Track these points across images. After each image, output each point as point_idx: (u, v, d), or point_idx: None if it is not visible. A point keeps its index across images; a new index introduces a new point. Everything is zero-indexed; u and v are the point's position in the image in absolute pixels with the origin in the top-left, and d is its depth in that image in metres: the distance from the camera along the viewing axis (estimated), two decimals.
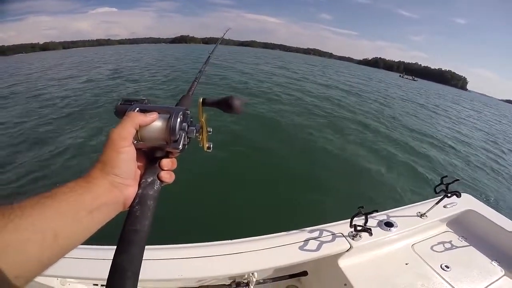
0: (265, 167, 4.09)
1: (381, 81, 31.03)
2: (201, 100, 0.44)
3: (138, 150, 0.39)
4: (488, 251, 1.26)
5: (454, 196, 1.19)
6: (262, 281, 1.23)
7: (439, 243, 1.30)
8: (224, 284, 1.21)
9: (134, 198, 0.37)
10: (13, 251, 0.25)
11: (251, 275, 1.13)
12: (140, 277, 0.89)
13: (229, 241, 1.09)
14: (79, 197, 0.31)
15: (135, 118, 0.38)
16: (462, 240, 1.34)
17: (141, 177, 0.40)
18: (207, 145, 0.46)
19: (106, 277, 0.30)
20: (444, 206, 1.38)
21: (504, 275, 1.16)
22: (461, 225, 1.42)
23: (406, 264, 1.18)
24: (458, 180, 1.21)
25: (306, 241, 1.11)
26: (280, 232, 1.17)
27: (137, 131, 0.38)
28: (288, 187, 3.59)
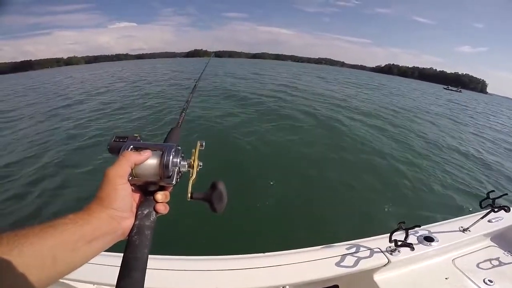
0: (304, 180, 4.02)
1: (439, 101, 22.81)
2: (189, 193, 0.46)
3: (133, 185, 0.43)
4: None
5: (502, 211, 1.13)
6: None
7: (481, 258, 1.23)
8: None
9: (132, 228, 0.40)
10: (16, 274, 0.28)
11: None
12: (175, 286, 0.89)
13: (263, 254, 1.09)
14: (79, 228, 0.34)
15: (130, 157, 0.41)
16: (508, 254, 1.26)
17: (137, 209, 0.42)
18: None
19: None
20: (489, 221, 1.31)
21: None
22: (507, 239, 1.33)
23: (446, 278, 1.12)
24: (506, 194, 1.15)
25: (343, 255, 1.08)
26: (316, 246, 1.16)
27: (132, 169, 0.41)
28: (325, 201, 3.53)
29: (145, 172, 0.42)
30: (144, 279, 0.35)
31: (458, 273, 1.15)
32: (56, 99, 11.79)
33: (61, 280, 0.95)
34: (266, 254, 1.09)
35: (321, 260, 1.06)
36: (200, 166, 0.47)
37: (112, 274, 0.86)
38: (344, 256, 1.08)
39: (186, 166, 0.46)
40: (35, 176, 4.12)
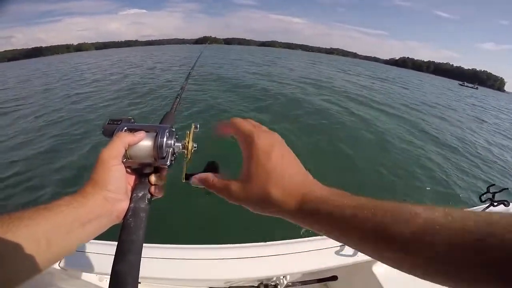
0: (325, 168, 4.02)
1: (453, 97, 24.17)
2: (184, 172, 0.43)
3: (127, 167, 0.42)
4: None
5: (502, 205, 1.11)
6: (291, 284, 1.21)
7: None
8: (253, 286, 1.21)
9: (127, 211, 0.40)
10: (10, 257, 0.27)
11: (282, 278, 1.12)
12: (171, 276, 0.89)
13: (263, 243, 1.09)
14: (74, 210, 0.34)
15: (124, 138, 0.40)
16: None
17: (132, 191, 0.42)
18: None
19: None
20: None
21: None
22: None
23: None
24: (507, 189, 1.12)
25: (342, 245, 1.07)
26: (315, 236, 1.14)
27: (125, 150, 0.41)
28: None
29: (139, 153, 0.42)
30: (139, 262, 0.35)
31: None
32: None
33: (65, 270, 0.96)
34: (267, 243, 1.09)
35: (321, 250, 1.05)
36: (195, 147, 0.46)
37: None
38: (343, 246, 1.07)
39: (181, 147, 0.45)
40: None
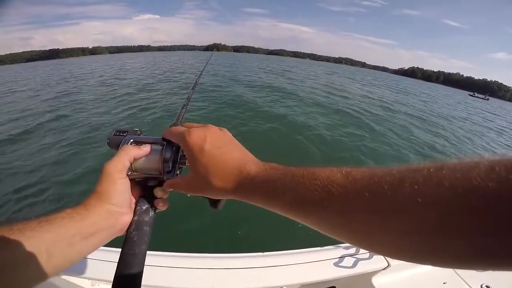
0: None
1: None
2: None
3: (132, 180, 0.42)
4: None
5: None
6: None
7: None
8: None
9: (130, 224, 0.39)
10: (10, 269, 0.27)
11: None
12: (168, 285, 0.87)
13: (261, 253, 1.08)
14: (76, 223, 0.34)
15: (130, 151, 0.40)
16: None
17: (136, 204, 0.41)
18: None
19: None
20: None
21: None
22: None
23: (444, 283, 1.10)
24: None
25: (341, 257, 1.06)
26: (315, 247, 1.14)
27: (131, 164, 0.40)
28: None
29: (145, 166, 0.42)
30: (141, 276, 0.35)
31: (457, 278, 1.12)
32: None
33: (57, 275, 0.94)
34: (265, 253, 1.08)
35: (320, 262, 1.04)
36: None
37: (108, 270, 0.87)
38: (343, 258, 1.06)
39: (187, 162, 0.43)
40: None
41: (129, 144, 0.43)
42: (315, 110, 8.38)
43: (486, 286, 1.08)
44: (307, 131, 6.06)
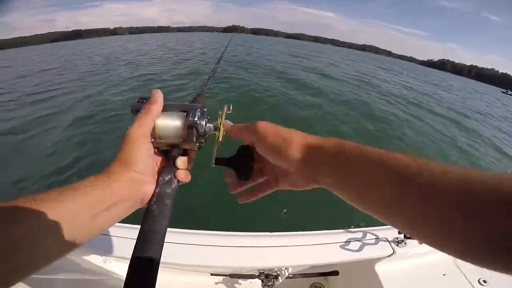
0: None
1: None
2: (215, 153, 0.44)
3: (156, 148, 0.40)
4: None
5: None
6: (291, 275, 1.23)
7: None
8: (253, 275, 1.23)
9: (152, 196, 0.37)
10: (29, 242, 0.26)
11: (284, 269, 1.14)
12: (172, 260, 0.85)
13: (270, 233, 1.10)
14: (99, 191, 0.32)
15: (151, 112, 0.38)
16: None
17: (159, 175, 0.39)
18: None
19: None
20: None
21: None
22: None
23: (444, 275, 1.11)
24: None
25: (347, 241, 1.07)
26: (322, 230, 1.15)
27: (154, 130, 0.39)
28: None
29: (168, 133, 0.40)
30: (161, 253, 0.33)
31: (456, 271, 1.13)
32: None
33: (104, 257, 0.97)
34: (273, 234, 1.10)
35: (326, 245, 1.05)
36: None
37: (121, 246, 0.89)
38: (349, 242, 1.07)
39: (212, 128, 0.42)
40: None
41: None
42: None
43: (483, 280, 1.09)
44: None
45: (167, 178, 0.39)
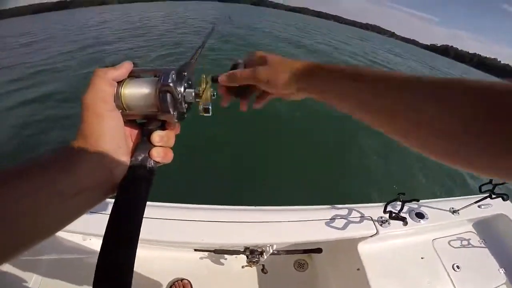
0: (301, 136, 3.93)
1: None
2: (209, 76, 0.41)
3: (128, 121, 0.34)
4: (501, 257, 1.22)
5: (500, 199, 1.09)
6: (276, 252, 1.23)
7: (459, 242, 1.25)
8: (238, 250, 1.23)
9: (121, 181, 0.30)
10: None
11: (268, 246, 1.13)
12: (154, 237, 0.81)
13: (253, 207, 1.06)
14: (56, 177, 0.24)
15: (105, 74, 0.30)
16: (481, 242, 1.28)
17: (132, 153, 0.33)
18: (202, 106, 0.36)
19: None
20: (479, 206, 1.27)
21: (504, 283, 1.14)
22: (487, 227, 1.32)
23: (422, 258, 1.16)
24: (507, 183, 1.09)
25: (333, 219, 1.06)
26: (307, 205, 1.13)
27: (121, 99, 0.32)
28: (325, 160, 3.48)
29: (138, 102, 0.33)
30: (135, 254, 0.26)
31: (434, 255, 1.17)
32: None
33: (82, 235, 0.95)
34: (258, 208, 1.06)
35: (311, 222, 1.04)
36: (213, 96, 0.37)
37: (100, 223, 0.81)
38: (334, 219, 1.06)
39: (193, 94, 0.35)
40: None
41: None
42: None
43: (456, 266, 1.13)
44: None
45: (140, 158, 0.32)
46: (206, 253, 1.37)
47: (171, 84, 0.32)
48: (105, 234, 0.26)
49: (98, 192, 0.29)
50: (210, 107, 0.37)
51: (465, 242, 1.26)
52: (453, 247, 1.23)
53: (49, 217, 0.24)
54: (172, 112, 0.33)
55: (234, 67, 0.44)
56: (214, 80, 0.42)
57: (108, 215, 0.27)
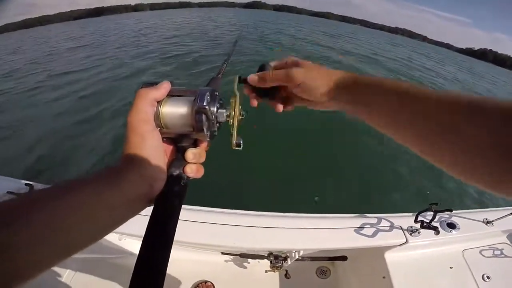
0: (338, 146, 3.91)
1: None
2: (237, 77, 0.43)
3: (164, 138, 0.36)
4: None
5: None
6: (300, 258, 1.22)
7: (491, 253, 1.19)
8: (262, 255, 1.24)
9: (158, 196, 0.33)
10: (21, 250, 0.21)
11: (294, 252, 1.13)
12: (182, 239, 0.87)
13: (283, 214, 1.08)
14: (102, 191, 0.28)
15: (147, 94, 0.33)
16: None
17: (168, 170, 0.35)
18: (235, 141, 0.39)
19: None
20: None
21: None
22: None
23: (451, 268, 1.11)
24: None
25: (361, 227, 1.05)
26: (338, 214, 1.14)
27: (159, 118, 0.34)
28: (358, 171, 3.45)
29: (175, 121, 0.35)
30: (168, 259, 0.30)
31: (463, 264, 1.13)
32: None
33: (119, 234, 0.99)
34: (286, 214, 1.08)
35: (338, 230, 1.03)
36: (243, 116, 0.39)
37: (136, 224, 0.92)
38: (362, 228, 1.05)
39: (224, 115, 0.38)
40: None
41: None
42: None
43: (487, 276, 1.08)
44: None
45: (175, 174, 0.35)
46: (232, 257, 1.40)
47: (206, 107, 0.34)
48: (142, 243, 0.30)
49: (139, 203, 0.32)
50: (241, 142, 0.39)
51: (497, 252, 1.20)
52: (484, 256, 1.18)
53: (98, 225, 0.28)
54: (205, 132, 0.35)
55: (262, 68, 0.44)
56: (242, 80, 0.44)
57: (143, 217, 0.32)
